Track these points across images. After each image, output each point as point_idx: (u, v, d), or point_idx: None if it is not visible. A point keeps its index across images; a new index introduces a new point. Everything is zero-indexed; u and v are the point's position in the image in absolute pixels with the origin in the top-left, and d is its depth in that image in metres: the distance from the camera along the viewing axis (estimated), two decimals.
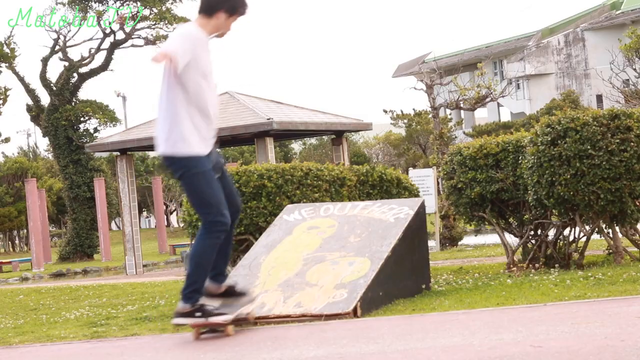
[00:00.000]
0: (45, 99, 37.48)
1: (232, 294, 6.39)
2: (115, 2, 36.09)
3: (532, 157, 9.63)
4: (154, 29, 36.00)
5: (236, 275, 7.75)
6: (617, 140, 9.27)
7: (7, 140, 49.16)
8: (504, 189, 10.39)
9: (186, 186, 6.24)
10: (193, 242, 6.36)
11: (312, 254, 7.80)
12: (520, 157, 10.19)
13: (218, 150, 6.41)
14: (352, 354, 5.10)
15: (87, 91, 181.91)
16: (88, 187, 36.20)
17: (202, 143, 6.13)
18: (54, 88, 36.37)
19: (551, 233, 10.52)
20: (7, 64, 36.67)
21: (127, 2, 36.00)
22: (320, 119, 22.67)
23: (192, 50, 6.00)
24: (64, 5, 36.37)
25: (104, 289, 15.01)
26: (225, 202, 6.22)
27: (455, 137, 46.91)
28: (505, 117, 61.90)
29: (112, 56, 36.36)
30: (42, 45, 63.31)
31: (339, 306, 6.97)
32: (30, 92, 37.59)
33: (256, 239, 9.45)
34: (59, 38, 36.57)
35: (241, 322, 6.48)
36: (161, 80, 6.13)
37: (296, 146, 64.02)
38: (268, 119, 19.99)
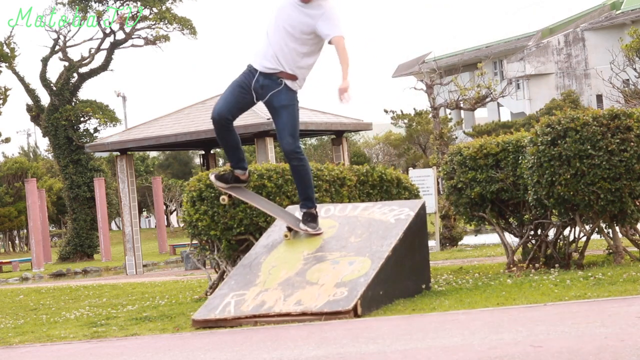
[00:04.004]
0: (45, 99, 37.52)
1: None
2: (115, 2, 36.10)
3: (532, 157, 9.63)
4: (154, 29, 36.02)
5: (237, 275, 7.76)
6: (617, 140, 9.27)
7: (7, 140, 49.14)
8: (504, 189, 10.39)
9: None
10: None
11: (313, 253, 7.80)
12: (520, 157, 10.18)
13: (276, 88, 7.77)
14: (352, 354, 5.10)
15: (87, 91, 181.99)
16: (88, 187, 36.20)
17: (255, 57, 7.86)
18: (54, 88, 36.36)
19: (551, 233, 10.51)
20: (7, 64, 36.66)
21: (127, 2, 36.01)
22: (320, 119, 22.67)
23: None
24: (64, 5, 36.38)
25: (104, 289, 15.03)
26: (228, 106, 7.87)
27: (455, 137, 46.90)
28: (505, 117, 61.91)
29: (112, 56, 36.38)
30: (42, 45, 63.47)
31: (339, 304, 6.98)
32: (30, 92, 37.57)
33: (256, 239, 9.45)
34: (59, 38, 36.58)
35: None
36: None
37: None
38: (268, 119, 19.98)
